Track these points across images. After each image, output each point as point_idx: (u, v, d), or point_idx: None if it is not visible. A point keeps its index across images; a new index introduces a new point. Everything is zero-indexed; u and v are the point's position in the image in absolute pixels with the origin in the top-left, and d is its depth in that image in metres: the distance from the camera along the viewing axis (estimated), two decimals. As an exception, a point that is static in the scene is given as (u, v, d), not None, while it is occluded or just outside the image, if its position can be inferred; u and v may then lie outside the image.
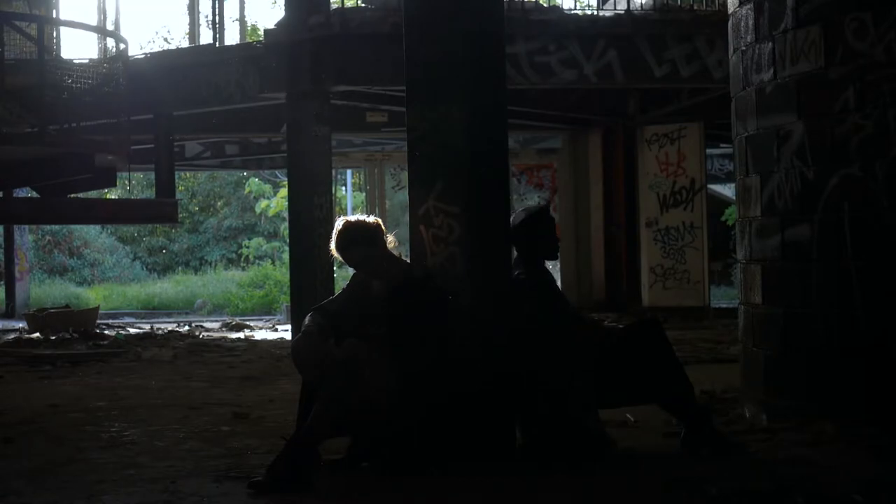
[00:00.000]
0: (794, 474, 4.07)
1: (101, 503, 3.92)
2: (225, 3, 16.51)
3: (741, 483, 3.96)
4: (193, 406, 6.35)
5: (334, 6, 10.98)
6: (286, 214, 13.82)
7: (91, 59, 11.54)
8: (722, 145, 15.96)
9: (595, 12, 11.60)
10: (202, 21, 17.69)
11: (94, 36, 13.03)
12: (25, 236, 18.66)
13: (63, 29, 12.74)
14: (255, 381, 7.67)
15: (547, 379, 4.65)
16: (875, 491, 3.74)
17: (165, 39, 31.12)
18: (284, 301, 15.96)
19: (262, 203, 23.17)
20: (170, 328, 13.26)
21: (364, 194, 17.58)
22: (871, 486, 3.80)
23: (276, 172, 19.85)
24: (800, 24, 5.00)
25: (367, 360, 4.19)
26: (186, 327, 13.65)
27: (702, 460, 4.47)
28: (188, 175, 26.39)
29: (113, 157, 11.06)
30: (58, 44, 12.46)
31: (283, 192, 19.94)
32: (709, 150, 14.63)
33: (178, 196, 14.18)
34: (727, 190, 19.78)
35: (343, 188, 21.81)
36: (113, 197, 20.75)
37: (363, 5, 12.55)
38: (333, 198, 11.78)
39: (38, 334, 11.76)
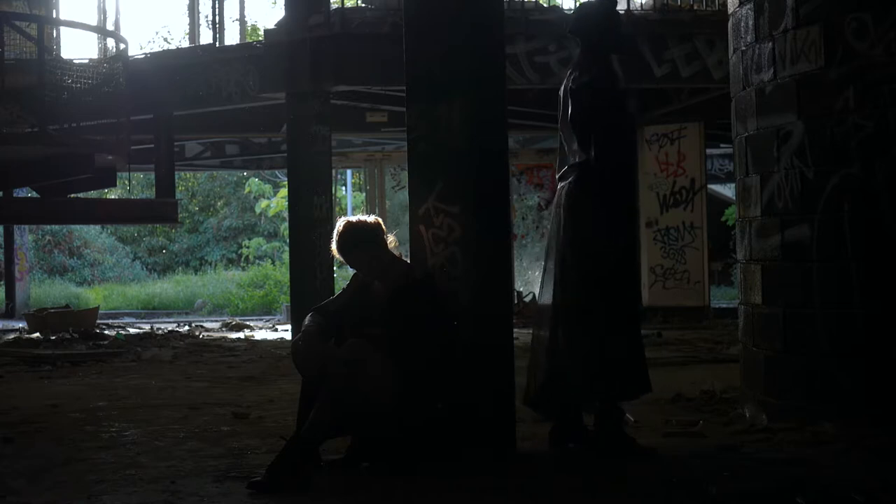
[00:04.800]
0: (794, 474, 4.07)
1: (101, 503, 3.92)
2: (225, 3, 16.50)
3: (741, 483, 3.97)
4: (193, 406, 6.35)
5: (334, 6, 10.98)
6: (286, 214, 13.82)
7: (91, 59, 11.55)
8: (722, 145, 15.95)
9: (595, 12, 11.58)
10: (202, 21, 17.71)
11: (94, 36, 13.06)
12: (25, 236, 18.66)
13: (63, 29, 12.75)
14: (255, 381, 7.66)
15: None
16: (875, 491, 3.74)
17: (165, 39, 31.16)
18: (284, 301, 15.96)
19: (262, 203, 23.19)
20: (170, 328, 13.27)
21: (364, 194, 17.59)
22: (871, 486, 3.80)
23: (276, 172, 19.85)
24: (800, 24, 5.00)
25: (368, 360, 4.18)
26: (186, 327, 13.65)
27: (702, 460, 4.48)
28: (188, 175, 26.40)
29: (113, 157, 11.06)
30: (58, 44, 12.47)
31: (283, 192, 19.96)
32: (709, 150, 14.62)
33: (178, 196, 14.19)
34: (727, 190, 19.78)
35: (343, 188, 21.82)
36: (113, 197, 20.76)
37: (363, 5, 12.55)
38: (333, 198, 11.79)
39: (38, 334, 11.76)
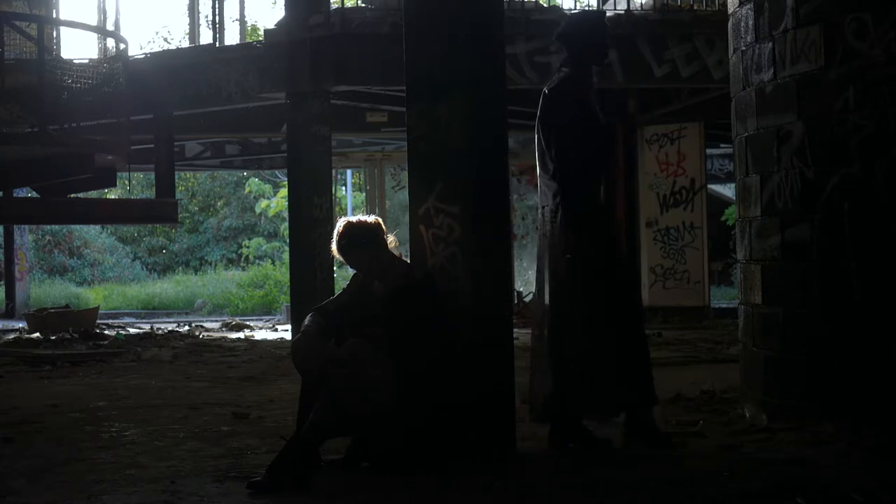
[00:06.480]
0: (794, 474, 4.07)
1: (101, 503, 3.92)
2: (225, 3, 16.51)
3: (741, 483, 3.97)
4: (193, 406, 6.35)
5: (334, 6, 10.98)
6: (286, 214, 13.81)
7: (91, 59, 11.55)
8: (722, 145, 15.95)
9: (595, 12, 11.60)
10: (202, 21, 17.71)
11: (94, 36, 13.06)
12: (25, 236, 18.66)
13: (63, 29, 12.75)
14: (255, 381, 7.67)
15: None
16: (875, 491, 3.74)
17: (165, 39, 31.17)
18: (284, 301, 15.96)
19: (262, 203, 23.20)
20: (170, 328, 13.27)
21: (364, 194, 17.59)
22: (871, 486, 3.80)
23: (276, 172, 19.87)
24: (800, 24, 5.00)
25: (368, 360, 4.18)
26: (186, 327, 13.66)
27: (702, 460, 4.48)
28: (188, 175, 26.40)
29: (113, 157, 11.06)
30: (58, 44, 12.47)
31: (283, 192, 19.96)
32: (709, 150, 14.61)
33: (178, 196, 14.18)
34: (727, 190, 19.78)
35: (343, 188, 21.83)
36: (113, 197, 20.76)
37: (363, 5, 12.55)
38: (333, 198, 11.79)
39: (38, 334, 11.76)
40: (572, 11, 12.06)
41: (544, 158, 4.78)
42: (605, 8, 11.56)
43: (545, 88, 4.88)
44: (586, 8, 13.42)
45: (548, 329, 4.74)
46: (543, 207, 4.82)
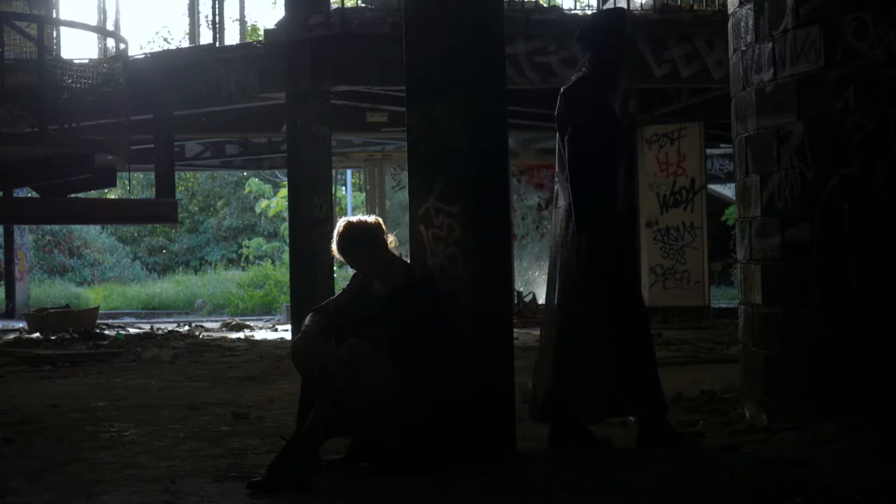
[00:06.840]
0: (794, 474, 4.07)
1: (101, 503, 3.92)
2: (225, 3, 16.50)
3: (741, 483, 3.97)
4: (193, 406, 6.35)
5: (334, 6, 10.99)
6: (286, 214, 13.81)
7: (91, 59, 11.55)
8: (722, 145, 15.95)
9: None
10: (202, 21, 17.69)
11: (94, 36, 13.07)
12: (25, 236, 18.66)
13: (63, 29, 12.75)
14: (255, 381, 7.67)
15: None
16: (875, 491, 3.74)
17: (165, 39, 31.14)
18: (284, 301, 15.96)
19: (262, 203, 23.20)
20: (170, 328, 13.26)
21: (364, 194, 17.59)
22: (871, 486, 3.80)
23: (276, 172, 19.86)
24: (800, 24, 5.00)
25: (368, 360, 4.18)
26: (186, 327, 13.65)
27: (702, 460, 4.48)
28: (188, 175, 26.40)
29: (113, 157, 11.06)
30: (58, 44, 12.48)
31: (283, 192, 19.96)
32: (709, 150, 14.61)
33: (178, 196, 14.18)
34: (727, 190, 19.78)
35: (343, 188, 21.83)
36: (113, 197, 20.76)
37: (363, 5, 12.56)
38: (333, 198, 11.79)
39: (38, 334, 11.76)
40: (572, 11, 12.08)
41: (561, 158, 4.76)
42: (605, 7, 11.55)
43: (562, 88, 4.85)
44: (588, 8, 13.43)
45: (556, 329, 4.74)
46: (559, 206, 4.82)
